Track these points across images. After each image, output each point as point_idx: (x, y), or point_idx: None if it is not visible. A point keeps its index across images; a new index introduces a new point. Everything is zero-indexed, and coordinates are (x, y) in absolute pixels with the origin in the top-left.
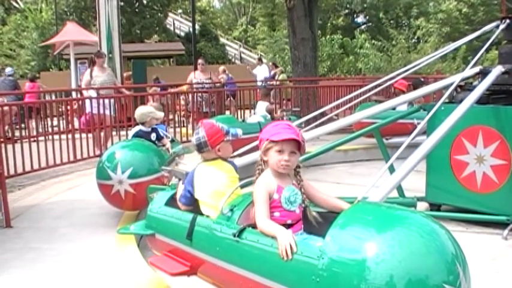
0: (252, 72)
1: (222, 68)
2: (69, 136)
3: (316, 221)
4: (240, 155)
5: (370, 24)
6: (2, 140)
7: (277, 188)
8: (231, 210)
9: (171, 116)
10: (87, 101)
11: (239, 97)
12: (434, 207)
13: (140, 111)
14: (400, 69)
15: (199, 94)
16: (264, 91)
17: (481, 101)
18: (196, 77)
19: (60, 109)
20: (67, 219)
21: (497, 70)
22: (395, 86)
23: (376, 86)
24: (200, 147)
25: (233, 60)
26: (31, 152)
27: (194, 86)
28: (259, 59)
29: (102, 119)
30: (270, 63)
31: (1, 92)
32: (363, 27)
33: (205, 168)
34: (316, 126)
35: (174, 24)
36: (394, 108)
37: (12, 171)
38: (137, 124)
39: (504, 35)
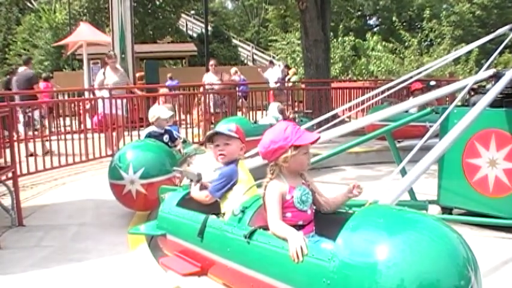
0: (263, 75)
1: (234, 69)
2: (82, 136)
3: (328, 223)
4: (251, 156)
5: (383, 26)
6: (14, 139)
7: (289, 189)
8: (242, 211)
9: (183, 117)
10: (100, 101)
11: (251, 98)
12: (446, 210)
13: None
14: (412, 71)
15: (211, 95)
16: (276, 92)
17: (494, 104)
18: (209, 78)
19: (72, 109)
20: (79, 219)
21: (511, 73)
22: (412, 88)
23: (388, 89)
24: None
25: (245, 61)
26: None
27: (206, 87)
28: (271, 62)
29: (114, 119)
30: (283, 65)
31: (15, 91)
32: (375, 29)
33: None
34: (328, 129)
35: (186, 25)
36: (406, 111)
37: (24, 170)
38: (149, 125)
39: None
